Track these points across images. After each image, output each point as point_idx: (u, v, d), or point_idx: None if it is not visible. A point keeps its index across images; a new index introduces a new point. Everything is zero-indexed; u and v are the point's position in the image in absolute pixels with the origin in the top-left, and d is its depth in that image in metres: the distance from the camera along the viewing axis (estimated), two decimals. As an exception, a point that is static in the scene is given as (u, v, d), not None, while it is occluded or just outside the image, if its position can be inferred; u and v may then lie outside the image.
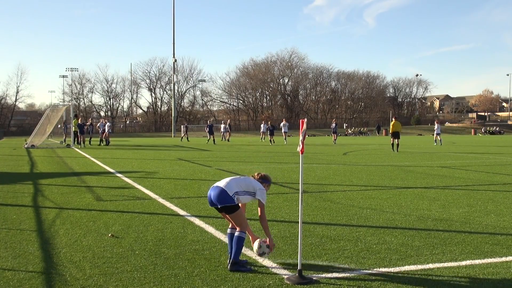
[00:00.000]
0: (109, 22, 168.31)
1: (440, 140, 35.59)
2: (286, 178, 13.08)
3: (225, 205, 4.98)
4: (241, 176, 5.30)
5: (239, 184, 5.11)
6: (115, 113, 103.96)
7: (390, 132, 27.42)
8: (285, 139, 40.01)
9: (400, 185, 11.65)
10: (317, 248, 5.75)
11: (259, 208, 5.19)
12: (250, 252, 5.57)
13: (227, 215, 5.11)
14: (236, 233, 5.04)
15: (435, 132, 36.53)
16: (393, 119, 27.90)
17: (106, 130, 34.91)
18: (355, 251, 5.62)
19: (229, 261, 5.01)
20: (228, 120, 54.58)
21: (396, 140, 26.35)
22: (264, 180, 5.37)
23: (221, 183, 5.12)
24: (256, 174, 5.44)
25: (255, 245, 5.19)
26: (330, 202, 9.06)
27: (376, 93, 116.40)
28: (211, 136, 39.07)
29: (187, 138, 47.46)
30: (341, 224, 7.11)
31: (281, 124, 41.40)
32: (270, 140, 39.04)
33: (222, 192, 4.98)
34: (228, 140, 44.66)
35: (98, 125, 34.56)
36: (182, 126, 48.69)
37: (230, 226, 5.29)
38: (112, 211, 8.20)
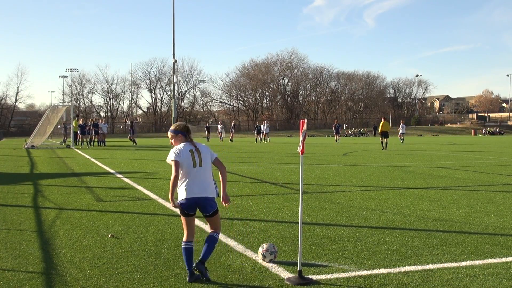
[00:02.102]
0: (109, 22, 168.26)
1: (403, 139, 38.35)
2: (286, 178, 13.08)
3: (214, 210, 4.83)
4: (202, 162, 4.83)
5: (211, 174, 4.90)
6: (115, 114, 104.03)
7: (379, 131, 29.55)
8: (266, 138, 44.27)
9: (400, 185, 11.65)
10: (317, 249, 5.75)
11: (219, 165, 5.03)
12: (251, 253, 5.57)
13: (208, 219, 4.86)
14: (214, 234, 4.82)
15: (400, 132, 39.14)
16: (382, 119, 30.14)
17: (104, 131, 34.92)
18: (355, 252, 5.62)
19: (196, 266, 4.64)
20: (233, 121, 58.04)
21: (385, 139, 28.72)
22: (189, 130, 4.97)
23: (205, 191, 4.77)
24: (176, 128, 4.93)
25: (260, 253, 5.22)
26: (330, 202, 9.06)
27: (376, 93, 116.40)
28: (132, 137, 38.00)
29: (208, 138, 48.01)
30: (341, 225, 7.11)
31: (263, 126, 45.14)
32: (256, 139, 43.53)
33: (212, 201, 4.81)
34: (231, 141, 45.31)
35: (100, 125, 34.37)
36: (205, 127, 51.78)
37: (185, 238, 4.78)
38: (112, 212, 8.20)
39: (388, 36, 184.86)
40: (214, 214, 4.82)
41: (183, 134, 4.88)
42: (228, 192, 10.86)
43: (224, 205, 4.95)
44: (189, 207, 4.71)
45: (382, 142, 28.95)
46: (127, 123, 38.99)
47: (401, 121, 41.93)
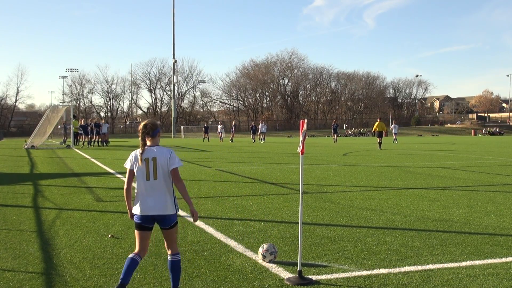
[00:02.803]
0: (109, 22, 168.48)
1: (395, 139, 39.33)
2: (286, 179, 13.08)
3: (173, 224, 4.25)
4: (158, 174, 4.14)
5: (170, 187, 4.22)
6: (115, 114, 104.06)
7: (375, 131, 30.38)
8: (263, 138, 44.97)
9: (400, 185, 11.65)
10: (317, 249, 5.75)
11: (174, 175, 4.19)
12: (251, 253, 5.57)
13: (165, 232, 4.27)
14: (174, 258, 4.26)
15: (393, 131, 40.13)
16: (378, 120, 30.67)
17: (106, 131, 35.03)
18: (355, 252, 5.62)
19: None
20: (234, 121, 58.84)
21: (380, 138, 29.80)
22: (157, 129, 4.28)
23: (162, 209, 4.14)
24: (142, 130, 4.20)
25: (260, 253, 5.21)
26: (330, 202, 9.06)
27: (376, 93, 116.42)
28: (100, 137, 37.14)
29: (208, 139, 48.28)
30: (341, 225, 7.11)
31: (260, 126, 46.34)
32: (255, 140, 44.43)
33: (171, 217, 4.21)
34: (231, 141, 45.49)
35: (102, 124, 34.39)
36: (203, 127, 52.37)
37: (136, 251, 4.26)
38: (112, 212, 8.19)
39: (388, 36, 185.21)
40: (173, 227, 4.26)
41: (151, 135, 4.22)
42: (228, 192, 10.85)
43: (193, 221, 4.29)
44: (145, 221, 4.19)
45: (379, 143, 29.81)
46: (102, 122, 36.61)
47: (393, 121, 42.82)
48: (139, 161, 4.16)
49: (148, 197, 4.14)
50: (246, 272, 4.89)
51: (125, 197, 4.31)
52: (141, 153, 4.17)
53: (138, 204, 4.19)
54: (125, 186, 4.28)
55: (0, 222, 7.39)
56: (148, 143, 4.22)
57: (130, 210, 4.31)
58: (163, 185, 4.15)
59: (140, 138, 4.21)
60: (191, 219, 7.46)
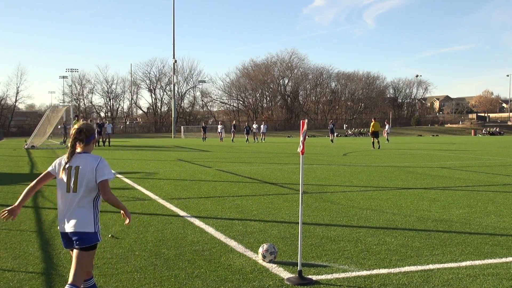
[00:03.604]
0: (109, 23, 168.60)
1: (387, 138, 39.92)
2: (286, 179, 13.08)
3: (91, 244, 3.64)
4: (78, 186, 3.60)
5: (91, 201, 3.63)
6: (115, 114, 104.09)
7: (370, 132, 31.01)
8: (257, 138, 46.25)
9: (400, 186, 11.65)
10: (317, 249, 5.75)
11: (102, 188, 3.62)
12: (251, 253, 5.57)
13: (74, 253, 3.64)
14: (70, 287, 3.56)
15: (385, 131, 40.88)
16: (373, 120, 31.09)
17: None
18: (355, 252, 5.62)
19: None
20: (234, 121, 59.71)
21: (375, 138, 30.20)
22: (92, 135, 3.78)
23: (78, 225, 3.56)
24: (76, 136, 3.69)
25: (260, 253, 5.21)
26: (330, 203, 9.06)
27: (376, 94, 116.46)
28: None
29: (204, 138, 48.66)
30: (341, 225, 7.11)
31: (261, 126, 47.60)
32: (247, 139, 44.90)
33: (85, 235, 3.59)
34: (232, 141, 45.66)
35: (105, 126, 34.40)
36: (201, 127, 52.80)
37: (70, 281, 3.61)
38: (112, 212, 8.18)
39: (388, 36, 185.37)
40: (88, 249, 3.61)
41: (84, 142, 3.73)
42: (229, 192, 10.85)
43: (125, 221, 3.80)
44: (65, 241, 3.70)
45: (373, 142, 30.39)
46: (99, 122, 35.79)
47: (385, 121, 43.34)
48: (61, 171, 3.65)
49: (66, 212, 3.61)
50: (246, 272, 4.89)
51: (23, 192, 3.82)
52: (66, 162, 3.65)
53: (58, 219, 3.68)
54: (32, 183, 3.81)
55: (0, 222, 7.39)
56: (79, 149, 3.71)
57: (17, 205, 3.88)
58: (84, 199, 3.60)
59: (70, 144, 3.68)
60: (191, 219, 7.47)
